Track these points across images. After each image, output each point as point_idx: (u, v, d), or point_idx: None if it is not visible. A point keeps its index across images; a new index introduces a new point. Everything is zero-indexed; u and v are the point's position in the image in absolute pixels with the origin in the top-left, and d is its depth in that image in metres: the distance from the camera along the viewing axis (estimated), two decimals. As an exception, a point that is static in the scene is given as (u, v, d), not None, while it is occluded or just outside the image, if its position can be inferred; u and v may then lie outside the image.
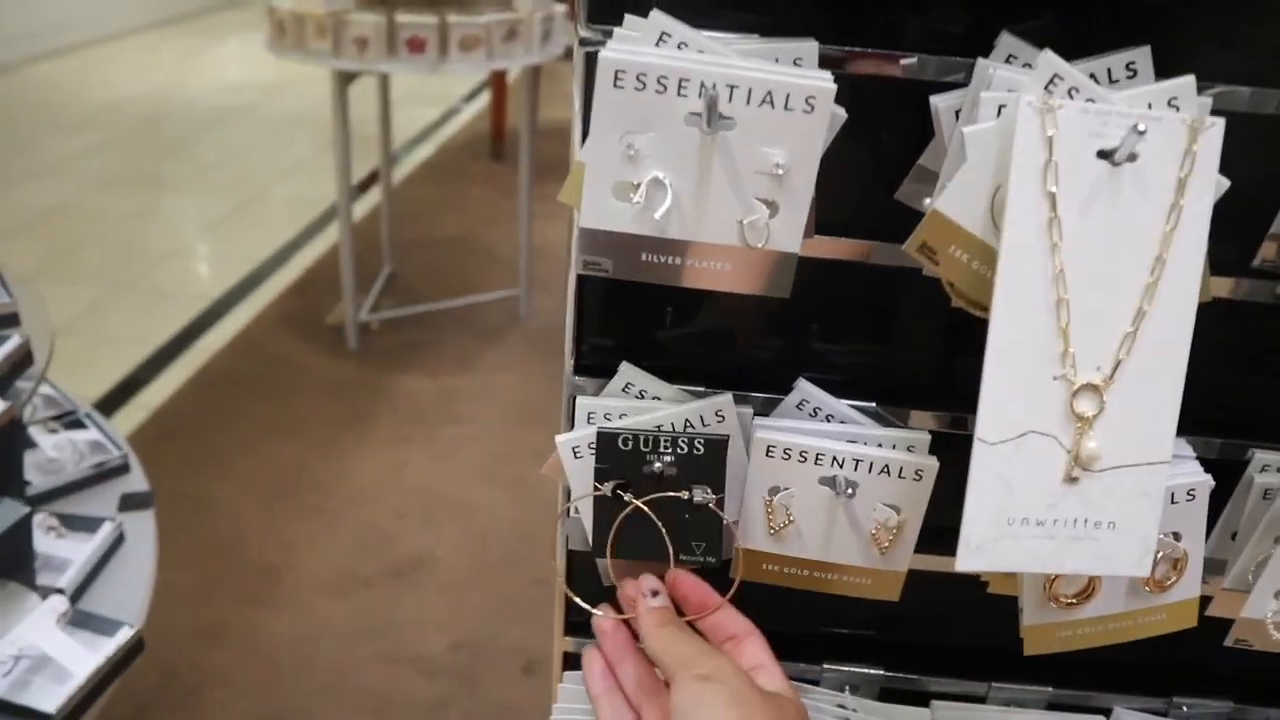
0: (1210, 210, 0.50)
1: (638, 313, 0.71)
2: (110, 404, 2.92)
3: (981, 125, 0.51)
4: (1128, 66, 0.56)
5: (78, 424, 1.50)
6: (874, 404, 0.67)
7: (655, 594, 0.61)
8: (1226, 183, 0.51)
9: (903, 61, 0.58)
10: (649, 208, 0.52)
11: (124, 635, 1.01)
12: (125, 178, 4.57)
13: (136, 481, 1.34)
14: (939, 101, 0.57)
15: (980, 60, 0.55)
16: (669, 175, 0.52)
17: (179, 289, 3.65)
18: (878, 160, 0.63)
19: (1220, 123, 0.49)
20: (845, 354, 0.71)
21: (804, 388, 0.65)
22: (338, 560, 2.36)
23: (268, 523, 2.46)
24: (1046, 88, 0.50)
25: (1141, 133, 0.47)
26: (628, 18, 0.57)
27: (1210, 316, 0.52)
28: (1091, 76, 0.55)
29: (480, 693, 2.03)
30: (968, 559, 0.50)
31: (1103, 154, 0.48)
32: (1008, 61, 0.57)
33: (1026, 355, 0.49)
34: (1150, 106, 0.50)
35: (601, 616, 0.63)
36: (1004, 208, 0.48)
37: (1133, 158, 0.48)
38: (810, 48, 0.56)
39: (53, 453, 1.39)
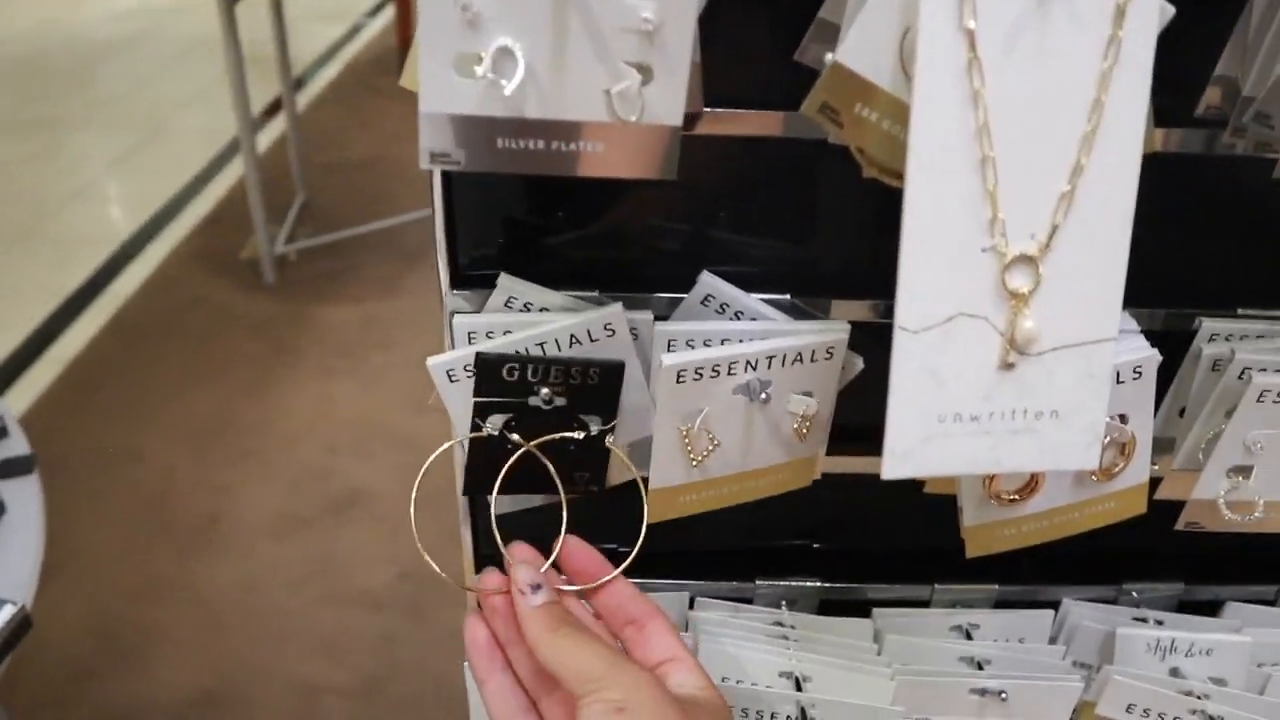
0: (1154, 44, 0.42)
1: (519, 212, 0.63)
2: (21, 360, 2.78)
3: (883, -44, 0.42)
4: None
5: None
6: (789, 296, 0.60)
7: (536, 588, 0.49)
8: (1171, 10, 0.43)
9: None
10: (497, 82, 0.43)
11: (6, 614, 0.93)
12: (15, 120, 4.30)
13: (16, 445, 1.23)
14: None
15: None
16: (518, 41, 0.43)
17: (84, 234, 3.46)
18: (776, 16, 0.55)
19: (1158, -56, 0.42)
20: (755, 244, 0.63)
21: (708, 282, 0.58)
22: (274, 503, 2.28)
23: (199, 471, 2.37)
24: (957, -97, 0.42)
25: (1069, -50, 0.39)
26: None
27: (1148, 172, 0.46)
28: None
29: (430, 623, 1.99)
30: (894, 466, 0.44)
31: (1026, -20, 0.41)
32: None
33: (949, 226, 0.42)
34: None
35: (489, 591, 0.51)
36: (914, 52, 0.41)
37: (1061, -16, 0.41)
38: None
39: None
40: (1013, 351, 0.43)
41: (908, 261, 0.42)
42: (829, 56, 0.45)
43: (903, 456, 0.44)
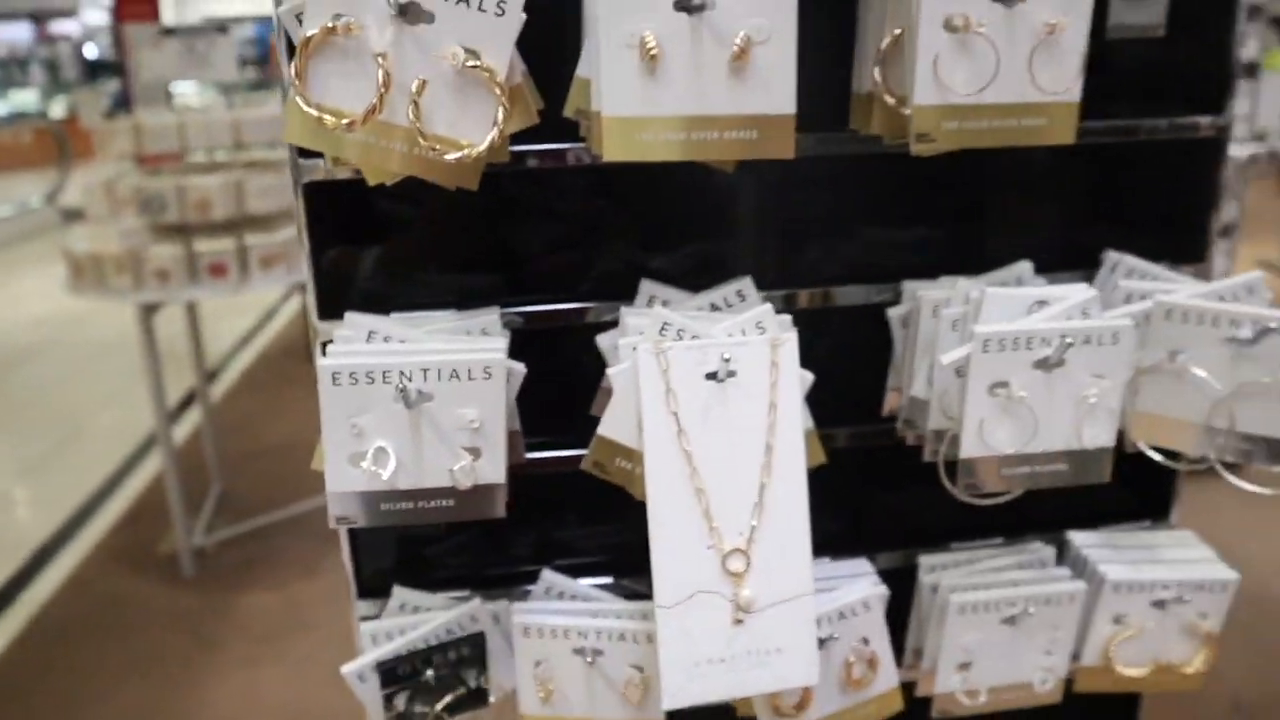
0: (800, 400, 0.67)
1: (406, 539, 0.83)
2: (-65, 678, 2.77)
3: (621, 366, 0.67)
4: (738, 293, 0.74)
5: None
6: (611, 578, 0.81)
7: None
8: (810, 377, 0.68)
9: (571, 307, 0.74)
10: (377, 473, 0.65)
11: None
12: (-73, 435, 4.39)
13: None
14: (603, 340, 0.73)
15: (624, 308, 0.72)
16: (390, 443, 0.66)
17: (-2, 541, 3.50)
18: (569, 391, 0.79)
19: (793, 336, 0.67)
20: (587, 537, 0.85)
21: (548, 577, 0.79)
22: (201, 798, 2.30)
23: (123, 774, 2.37)
24: (661, 332, 0.66)
25: (727, 360, 0.64)
26: (347, 316, 0.71)
27: (850, 456, 0.69)
28: (712, 306, 0.73)
29: None
30: (670, 700, 0.64)
31: (709, 376, 0.65)
32: (650, 303, 0.74)
33: (682, 535, 0.64)
34: (744, 332, 0.68)
35: None
36: (642, 428, 0.64)
37: (732, 374, 0.65)
38: (493, 318, 0.72)
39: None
40: (740, 612, 0.65)
41: (657, 559, 0.64)
42: (598, 433, 0.68)
43: (675, 693, 0.64)
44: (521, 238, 0.77)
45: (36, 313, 6.04)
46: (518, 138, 0.65)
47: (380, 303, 0.74)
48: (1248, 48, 3.83)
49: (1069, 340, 0.66)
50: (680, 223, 0.77)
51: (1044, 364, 0.67)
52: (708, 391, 0.65)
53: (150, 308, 3.01)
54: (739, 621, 0.65)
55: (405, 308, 0.74)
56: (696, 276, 0.76)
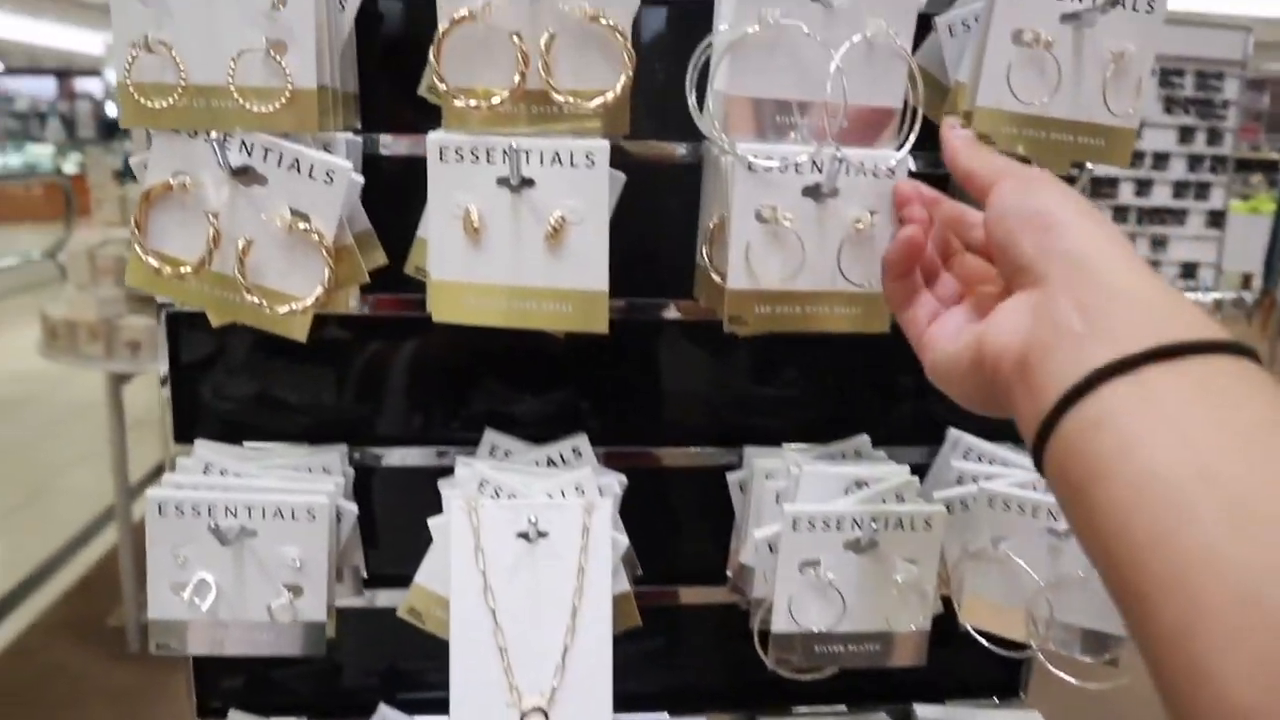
0: (609, 564, 0.68)
1: (252, 662, 0.84)
2: None
3: (441, 517, 0.69)
4: (575, 450, 0.76)
5: None
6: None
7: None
8: (625, 541, 0.70)
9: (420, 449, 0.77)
10: (196, 604, 0.67)
11: None
12: (-108, 483, 4.38)
13: None
14: (442, 485, 0.75)
15: (459, 457, 0.74)
16: (211, 575, 0.67)
17: (-58, 602, 3.48)
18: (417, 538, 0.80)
19: (607, 501, 0.69)
20: (430, 672, 0.86)
21: (383, 711, 0.79)
22: None
23: None
24: (479, 488, 0.69)
25: (534, 522, 0.66)
26: (196, 443, 0.73)
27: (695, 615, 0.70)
28: (549, 461, 0.75)
29: None
30: None
31: (521, 535, 0.67)
32: (492, 452, 0.76)
33: (483, 693, 0.66)
34: (563, 493, 0.70)
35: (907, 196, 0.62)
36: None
37: (543, 535, 0.67)
38: (335, 456, 0.74)
39: None
40: (536, 771, 0.65)
41: (457, 713, 0.65)
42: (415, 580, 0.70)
43: None
44: (382, 378, 0.80)
45: (16, 368, 6.07)
46: (376, 284, 0.67)
47: (235, 431, 0.76)
48: (1213, 197, 3.93)
49: (875, 525, 0.68)
50: (531, 375, 0.80)
51: (855, 545, 0.69)
52: (517, 550, 0.67)
53: (121, 377, 3.04)
54: (536, 781, 0.66)
55: (259, 436, 0.76)
56: (545, 427, 0.78)
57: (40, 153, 8.74)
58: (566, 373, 0.81)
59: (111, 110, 11.18)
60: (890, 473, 0.72)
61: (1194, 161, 4.11)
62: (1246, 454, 0.35)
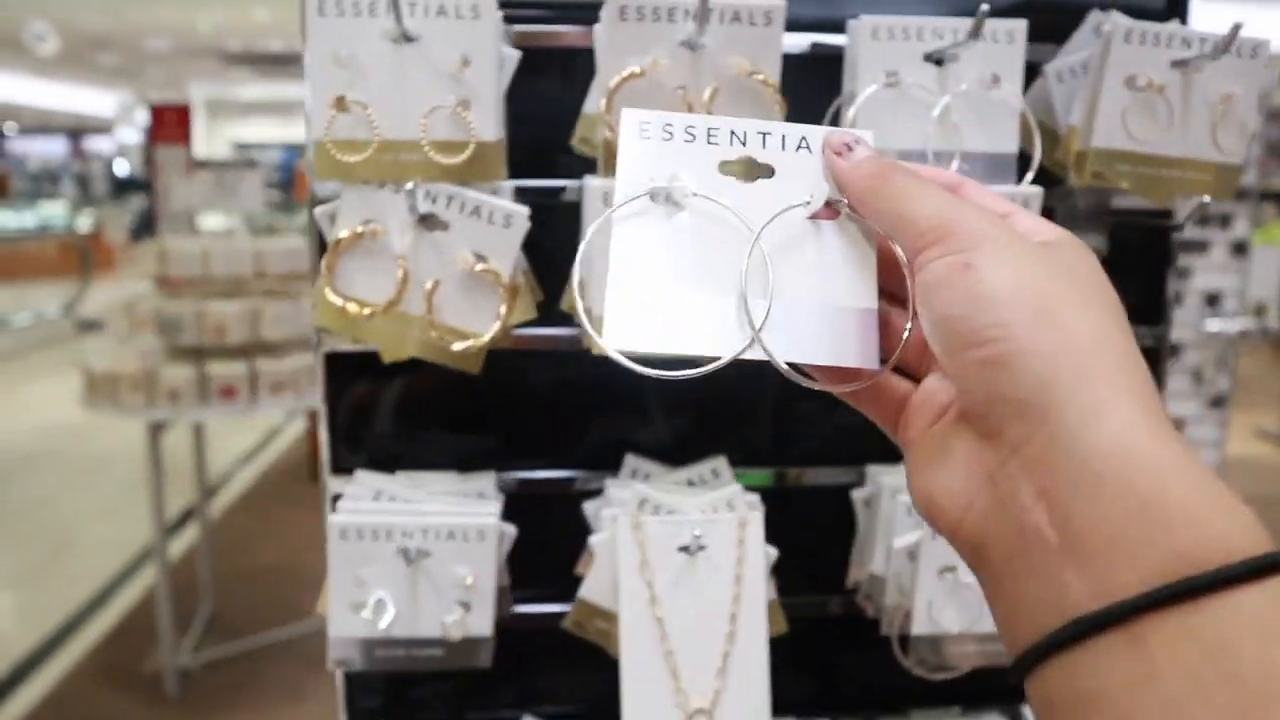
0: (764, 574, 0.73)
1: (395, 682, 0.88)
2: (-99, 795, 2.74)
3: (602, 535, 0.73)
4: (713, 471, 0.81)
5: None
6: (586, 730, 0.85)
7: (854, 144, 0.40)
8: (774, 552, 0.75)
9: (561, 475, 0.81)
10: (375, 622, 0.71)
11: None
12: (-80, 538, 4.41)
13: None
14: (588, 508, 0.80)
15: (608, 480, 0.79)
16: (389, 593, 0.72)
17: (-23, 655, 3.49)
18: (556, 551, 0.85)
19: (759, 515, 0.74)
20: (565, 688, 0.90)
21: (527, 727, 0.83)
22: None
23: None
24: (640, 506, 0.73)
25: (698, 536, 0.70)
26: (358, 473, 0.78)
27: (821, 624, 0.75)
28: (689, 482, 0.80)
29: None
30: None
31: (682, 549, 0.72)
32: (634, 475, 0.81)
33: (652, 695, 0.70)
34: (715, 509, 0.75)
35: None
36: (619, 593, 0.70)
37: (702, 548, 0.72)
38: (488, 482, 0.79)
39: None
40: (702, 771, 0.70)
41: (629, 715, 0.69)
42: (579, 595, 0.74)
43: None
44: (519, 409, 0.85)
45: (41, 422, 6.12)
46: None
47: (388, 462, 0.81)
48: (1236, 227, 4.01)
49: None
50: (662, 403, 0.85)
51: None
52: (679, 563, 0.72)
53: (159, 426, 3.09)
54: (702, 776, 0.70)
55: (410, 467, 0.81)
56: (677, 451, 0.83)
57: (53, 212, 8.83)
58: (689, 399, 0.86)
59: (122, 168, 11.30)
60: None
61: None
62: None
